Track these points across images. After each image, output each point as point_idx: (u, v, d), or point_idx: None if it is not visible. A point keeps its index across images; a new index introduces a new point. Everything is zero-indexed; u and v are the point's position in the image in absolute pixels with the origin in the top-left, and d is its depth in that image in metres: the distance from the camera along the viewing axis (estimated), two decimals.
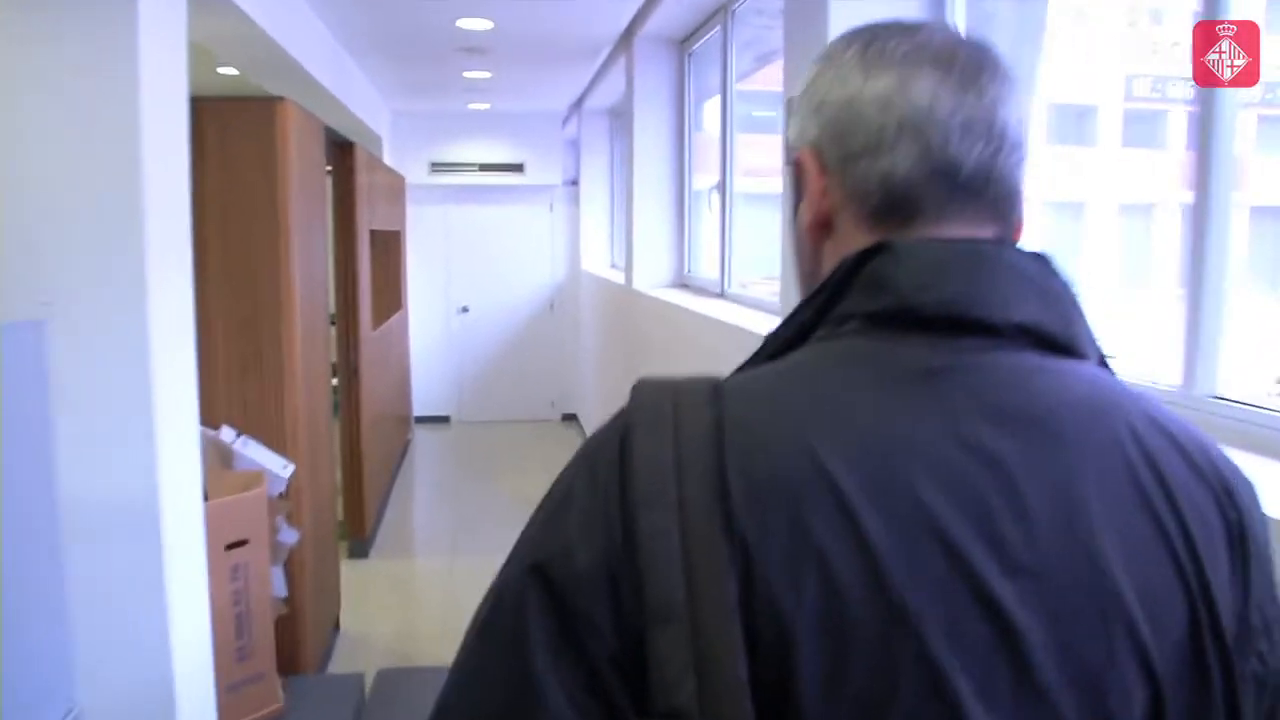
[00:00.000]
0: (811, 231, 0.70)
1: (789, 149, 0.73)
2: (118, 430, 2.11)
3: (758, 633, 0.53)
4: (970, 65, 0.65)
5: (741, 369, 0.65)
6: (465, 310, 8.66)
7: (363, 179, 5.01)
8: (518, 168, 8.37)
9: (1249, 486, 0.65)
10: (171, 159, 2.28)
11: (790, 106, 0.76)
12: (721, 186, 4.38)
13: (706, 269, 4.88)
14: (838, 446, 0.56)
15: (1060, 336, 0.62)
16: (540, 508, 0.62)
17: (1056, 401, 0.60)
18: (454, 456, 8.02)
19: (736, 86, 4.34)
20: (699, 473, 0.55)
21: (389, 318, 6.54)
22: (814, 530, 0.54)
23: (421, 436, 8.24)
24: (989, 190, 0.65)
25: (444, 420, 8.72)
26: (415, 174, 8.02)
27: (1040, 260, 0.64)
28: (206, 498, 2.79)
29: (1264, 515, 0.65)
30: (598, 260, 8.17)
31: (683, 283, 5.18)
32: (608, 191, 8.10)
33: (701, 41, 4.94)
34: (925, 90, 0.64)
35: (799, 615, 0.53)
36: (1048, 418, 0.59)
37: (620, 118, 7.47)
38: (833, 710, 0.52)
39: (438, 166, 8.22)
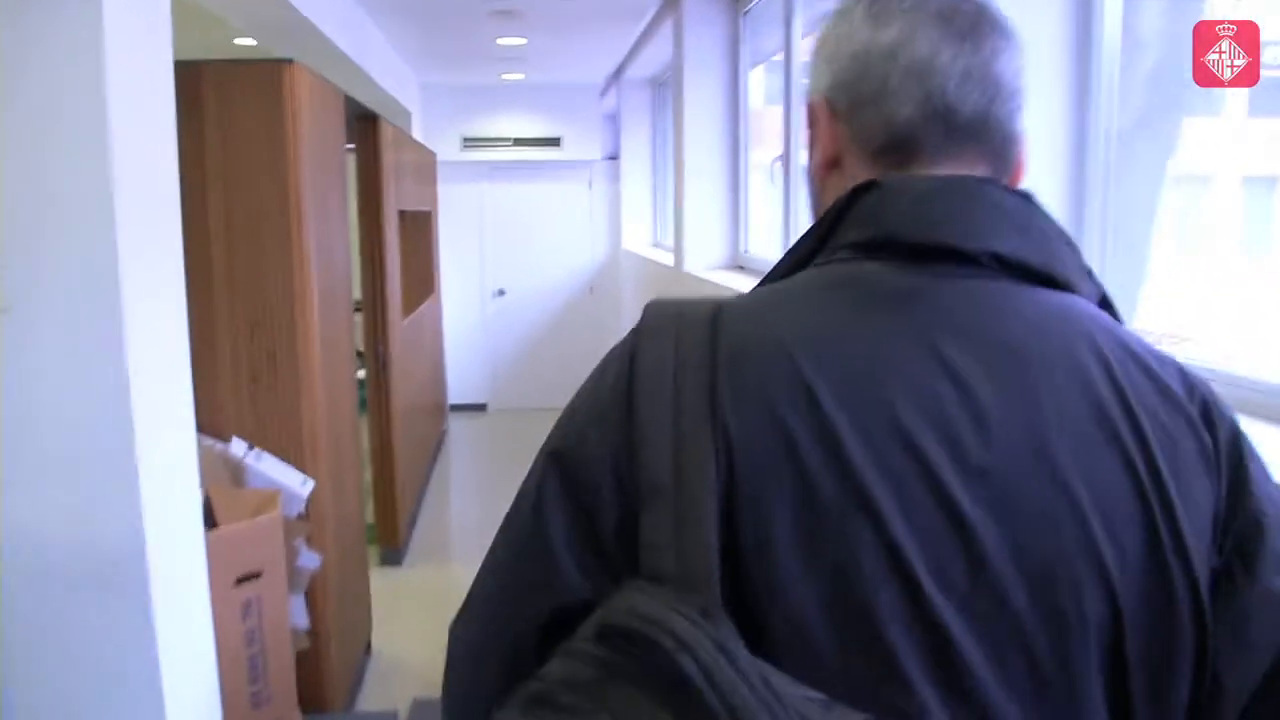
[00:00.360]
0: (821, 170, 0.76)
1: (805, 94, 0.79)
2: (87, 454, 1.76)
3: (737, 508, 0.60)
4: (969, 19, 0.71)
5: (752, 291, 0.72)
6: (501, 293, 8.29)
7: (389, 156, 4.62)
8: (554, 142, 7.96)
9: (1226, 410, 0.68)
10: (152, 133, 1.90)
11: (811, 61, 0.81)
12: (785, 158, 3.95)
13: (764, 249, 4.46)
14: (813, 355, 0.63)
15: (1038, 267, 0.67)
16: (562, 416, 0.70)
17: (1023, 325, 0.66)
18: (491, 447, 7.67)
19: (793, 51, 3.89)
20: (693, 375, 0.63)
21: (421, 304, 6.19)
22: (788, 425, 0.61)
23: (457, 426, 7.91)
24: (985, 134, 0.71)
25: (480, 408, 8.38)
26: (447, 150, 7.64)
27: (1023, 197, 0.70)
28: (214, 524, 2.45)
29: (1243, 446, 0.67)
30: (639, 239, 7.76)
31: (738, 264, 4.76)
32: (649, 166, 7.68)
33: (757, 1, 4.50)
34: (927, 41, 0.70)
35: (775, 495, 0.60)
36: (1012, 339, 0.65)
37: (663, 88, 7.04)
38: (806, 576, 0.59)
39: (470, 142, 7.84)
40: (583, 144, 8.04)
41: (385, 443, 4.56)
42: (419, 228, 6.41)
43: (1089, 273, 0.71)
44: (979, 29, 0.71)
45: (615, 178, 8.04)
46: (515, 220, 8.17)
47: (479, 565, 0.72)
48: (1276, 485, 0.67)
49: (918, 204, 0.68)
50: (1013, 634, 0.59)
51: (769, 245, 4.33)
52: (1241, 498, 0.65)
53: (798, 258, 0.72)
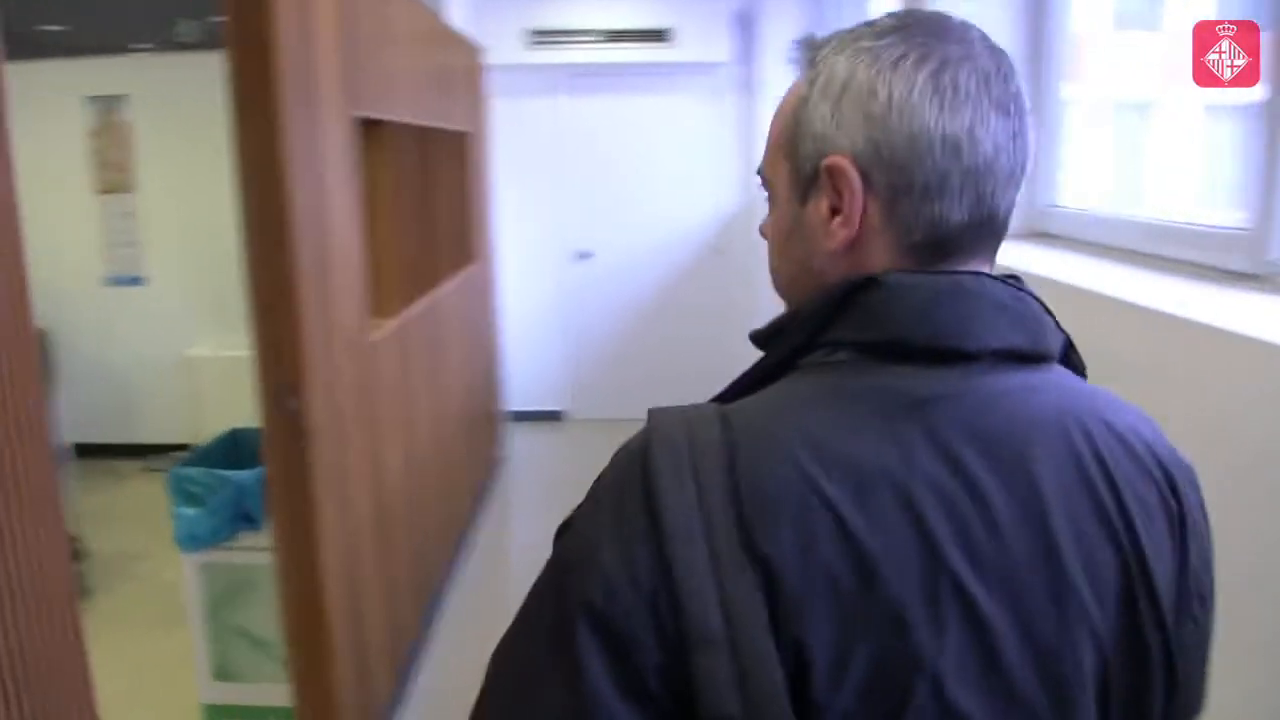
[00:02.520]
0: (840, 242, 0.72)
1: (811, 134, 0.72)
2: None
3: (782, 639, 0.61)
4: (1018, 105, 0.70)
5: (737, 393, 0.74)
6: (586, 256, 6.02)
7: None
8: (660, 35, 5.58)
9: (1189, 473, 0.76)
10: None
11: (812, 67, 0.74)
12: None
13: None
14: (840, 478, 0.64)
15: (1030, 352, 0.71)
16: (573, 541, 0.69)
17: (1024, 419, 0.69)
18: (570, 472, 5.44)
19: None
20: (720, 510, 0.63)
21: (448, 275, 4.01)
22: (824, 557, 0.62)
23: (521, 443, 5.74)
24: (1004, 230, 0.74)
25: (553, 417, 6.19)
26: (505, 48, 5.40)
27: (1011, 284, 0.72)
28: None
29: (1200, 500, 0.77)
30: None
31: (1038, 230, 2.41)
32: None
33: None
34: (991, 140, 0.69)
35: (817, 624, 0.61)
36: (1015, 436, 0.68)
37: None
38: (840, 695, 0.61)
39: (540, 37, 5.54)
40: (703, 39, 5.63)
41: (307, 576, 2.37)
42: (447, 156, 4.20)
43: (1057, 327, 0.75)
44: (1024, 116, 0.71)
45: (751, 88, 5.63)
46: (606, 150, 5.85)
47: None
48: (1203, 531, 0.76)
49: (924, 309, 0.68)
50: (1024, 714, 0.65)
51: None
52: (1189, 553, 0.73)
53: (781, 354, 0.73)
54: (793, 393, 0.70)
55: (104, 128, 5.15)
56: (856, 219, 0.70)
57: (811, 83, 0.73)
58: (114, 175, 5.16)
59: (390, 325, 3.09)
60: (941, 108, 0.68)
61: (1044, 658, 0.66)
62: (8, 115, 1.43)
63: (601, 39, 5.56)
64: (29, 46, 5.54)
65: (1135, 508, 0.70)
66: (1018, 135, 0.70)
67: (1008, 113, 0.69)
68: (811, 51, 0.75)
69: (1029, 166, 0.72)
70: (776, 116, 0.78)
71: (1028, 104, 0.72)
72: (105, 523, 4.59)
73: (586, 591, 0.64)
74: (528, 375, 6.03)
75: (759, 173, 0.81)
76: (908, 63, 0.68)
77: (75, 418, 5.45)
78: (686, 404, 0.71)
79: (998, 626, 0.64)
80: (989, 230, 0.72)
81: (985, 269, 0.73)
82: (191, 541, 2.72)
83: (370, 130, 3.11)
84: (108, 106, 5.12)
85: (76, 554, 4.33)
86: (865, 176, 0.69)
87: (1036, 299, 0.73)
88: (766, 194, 0.80)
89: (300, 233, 2.24)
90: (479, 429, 4.79)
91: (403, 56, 3.35)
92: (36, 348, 1.45)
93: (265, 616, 2.70)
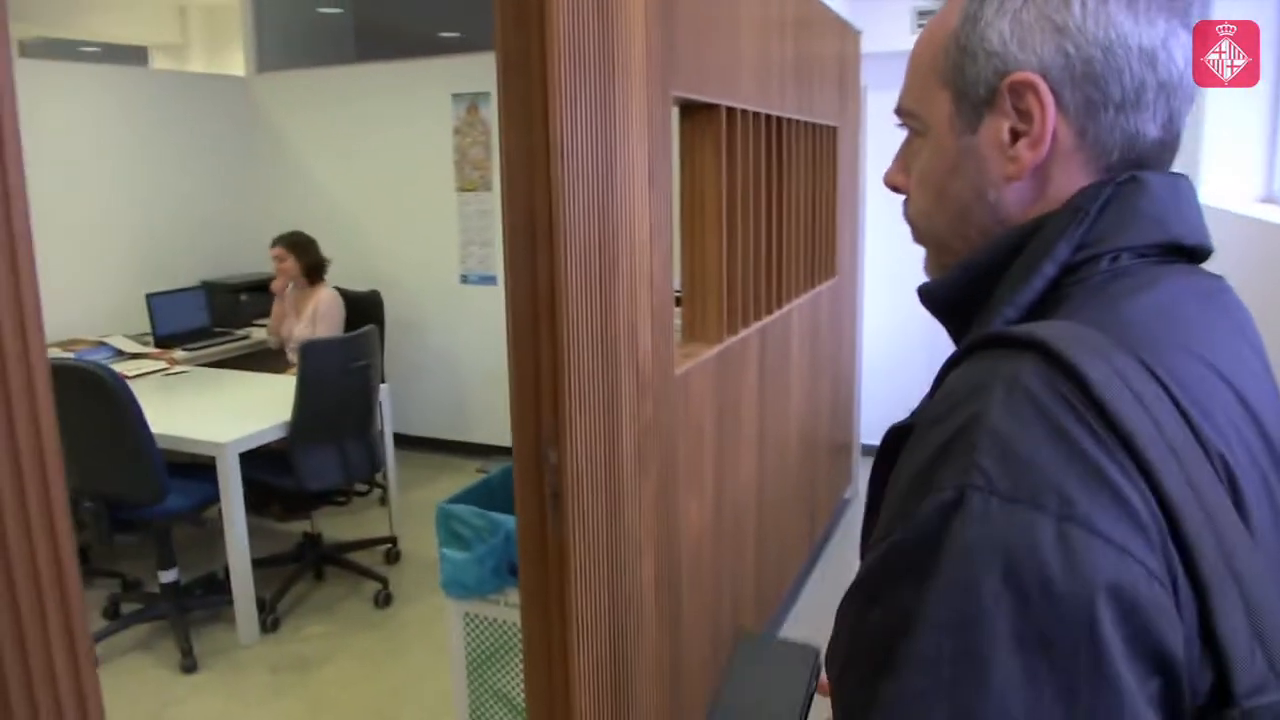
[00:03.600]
0: (1026, 167, 0.68)
1: (987, 52, 0.68)
2: None
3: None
4: (1193, 19, 0.67)
5: (956, 317, 0.72)
6: None
7: None
8: None
9: None
10: None
11: None
12: None
13: None
14: (1228, 373, 0.61)
15: (1210, 251, 0.70)
16: (995, 510, 0.51)
17: (1244, 315, 0.71)
18: None
19: None
20: (1172, 421, 0.55)
21: (797, 292, 3.44)
22: (1240, 432, 0.59)
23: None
24: (1177, 148, 0.71)
25: None
26: (887, 33, 4.71)
27: (1190, 183, 0.70)
28: None
29: None
30: (1240, 184, 4.20)
31: None
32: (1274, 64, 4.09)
33: None
34: (1182, 52, 0.66)
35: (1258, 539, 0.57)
36: (1248, 331, 0.70)
37: None
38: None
39: (929, 19, 4.80)
40: None
41: (556, 653, 1.91)
42: (806, 154, 3.62)
43: None
44: (1194, 30, 0.68)
45: None
46: None
47: None
48: None
49: (1182, 207, 0.68)
50: None
51: None
52: None
53: (1058, 268, 0.65)
54: (1151, 301, 0.63)
55: (466, 125, 5.15)
56: (1047, 140, 0.66)
57: (979, 2, 0.69)
58: (473, 173, 5.16)
59: (706, 355, 2.57)
60: (1136, 17, 0.65)
61: None
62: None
63: None
64: (405, 44, 5.73)
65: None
66: (1191, 50, 0.67)
67: (1190, 29, 0.67)
68: None
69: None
70: (925, 43, 0.74)
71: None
72: (428, 523, 4.55)
73: (1095, 568, 0.49)
74: (888, 405, 5.29)
75: (899, 110, 0.77)
76: None
77: (421, 414, 5.56)
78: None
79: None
80: (1172, 150, 0.70)
81: None
82: (456, 588, 2.38)
83: (699, 118, 2.61)
84: (471, 103, 5.12)
85: (389, 557, 4.32)
86: (1055, 94, 0.66)
87: None
88: (911, 131, 0.77)
89: (569, 238, 1.78)
90: (821, 465, 4.17)
91: (750, 36, 2.83)
92: (47, 371, 1.08)
93: None
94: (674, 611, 2.44)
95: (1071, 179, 0.67)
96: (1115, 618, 0.49)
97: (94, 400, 3.23)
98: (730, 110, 2.70)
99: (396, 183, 5.28)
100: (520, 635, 2.28)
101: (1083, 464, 0.51)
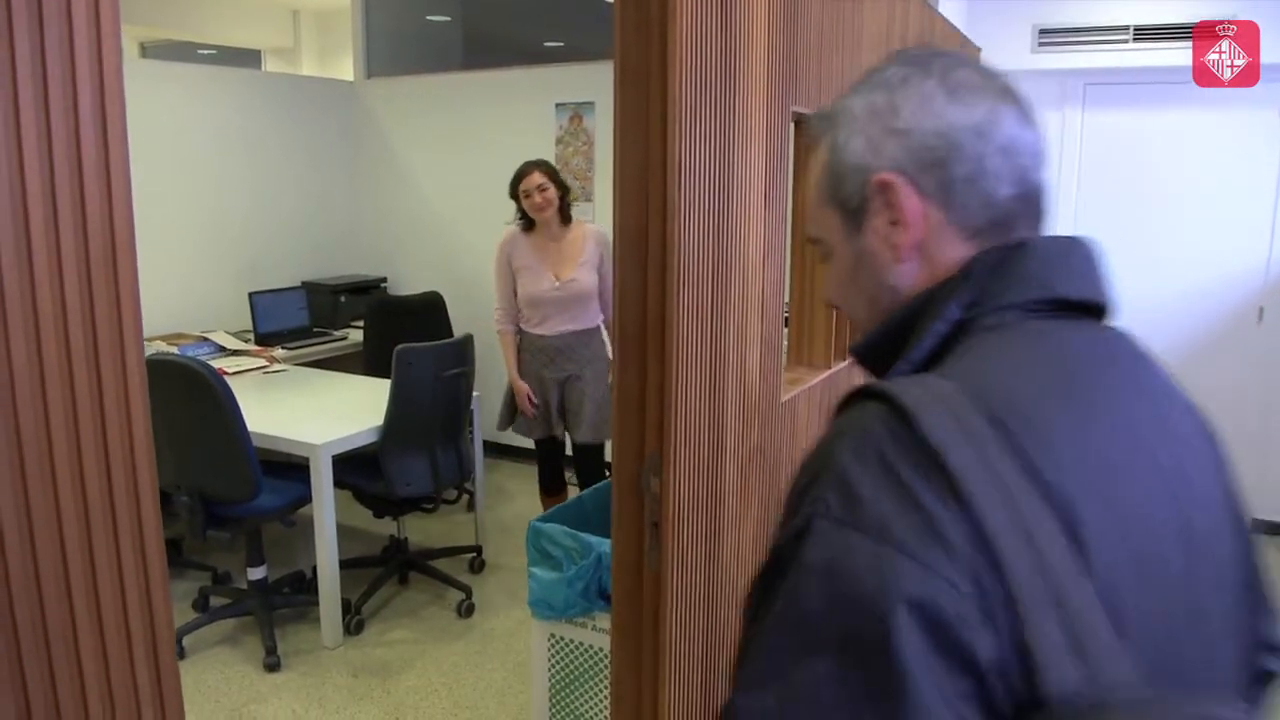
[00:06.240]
0: (902, 249, 0.79)
1: (845, 171, 0.80)
2: None
3: (1099, 576, 0.61)
4: (1021, 96, 0.79)
5: (880, 369, 0.80)
6: None
7: None
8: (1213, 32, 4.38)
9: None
10: None
11: (830, 123, 0.83)
12: None
13: None
14: (1085, 417, 0.68)
15: (1110, 309, 0.80)
16: (833, 537, 0.62)
17: (1135, 356, 0.78)
18: None
19: None
20: (1003, 461, 0.61)
21: None
22: (1105, 487, 0.64)
23: None
24: (1044, 205, 0.80)
25: None
26: (1006, 50, 4.56)
27: (1091, 243, 0.81)
28: None
29: None
30: None
31: None
32: None
33: None
34: (1010, 122, 0.77)
35: (1117, 563, 0.62)
36: (1143, 380, 0.76)
37: None
38: (1150, 609, 0.64)
39: (1051, 37, 4.61)
40: None
41: (646, 687, 1.84)
42: None
43: None
44: (1028, 105, 0.79)
45: None
46: (1123, 176, 4.77)
47: None
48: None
49: (1073, 266, 0.76)
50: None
51: None
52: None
53: (950, 324, 0.75)
54: (1002, 353, 0.71)
55: (569, 135, 5.14)
56: (918, 221, 0.77)
57: (835, 135, 0.81)
58: (574, 183, 5.14)
59: (812, 381, 2.48)
60: (959, 104, 0.76)
61: (1216, 581, 0.70)
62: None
63: (1130, 37, 4.49)
64: (511, 53, 5.75)
65: (1218, 442, 0.79)
66: (1028, 117, 0.78)
67: (1015, 100, 0.78)
68: (823, 121, 0.84)
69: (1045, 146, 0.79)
70: (810, 183, 0.86)
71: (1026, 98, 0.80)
72: (513, 534, 4.52)
73: (897, 583, 0.58)
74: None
75: (809, 239, 0.90)
76: (914, 79, 0.78)
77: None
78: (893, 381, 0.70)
79: (1204, 551, 0.69)
80: (1035, 205, 0.79)
81: None
82: (543, 608, 2.32)
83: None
84: (574, 113, 5.11)
85: (473, 566, 4.30)
86: (914, 183, 0.76)
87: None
88: (823, 255, 0.87)
89: (682, 257, 1.71)
90: None
91: (870, 50, 2.74)
92: (142, 368, 1.05)
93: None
94: None
95: (951, 248, 0.78)
96: (914, 625, 0.56)
97: (194, 396, 3.28)
98: None
99: (498, 191, 5.29)
100: (607, 661, 2.22)
101: (904, 495, 0.60)
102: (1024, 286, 0.74)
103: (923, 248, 0.78)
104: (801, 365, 2.56)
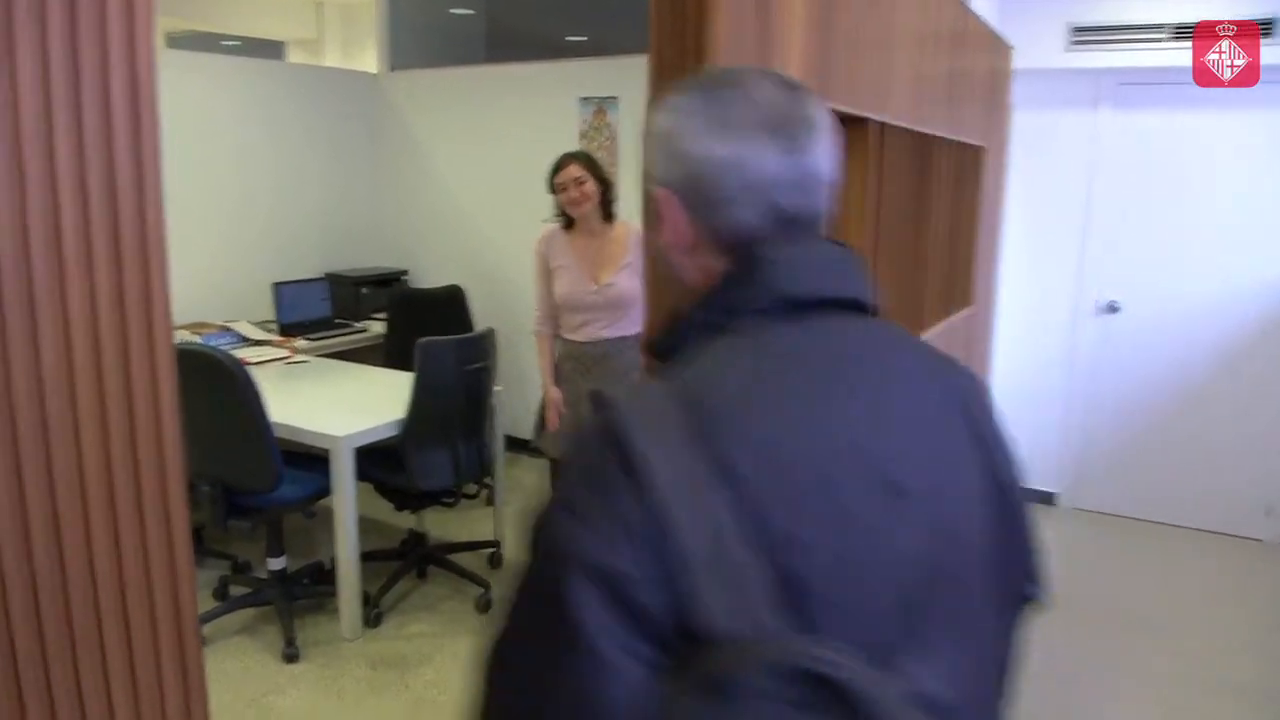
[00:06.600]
0: (677, 251, 0.93)
1: (648, 176, 0.94)
2: None
3: (761, 545, 0.72)
4: (794, 128, 0.88)
5: (664, 360, 0.89)
6: (1112, 309, 4.90)
7: None
8: (1268, 29, 4.31)
9: (986, 386, 1.02)
10: None
11: (646, 134, 0.95)
12: None
13: None
14: (777, 407, 0.79)
15: (867, 302, 0.91)
16: (556, 527, 0.76)
17: (882, 345, 0.90)
18: (1065, 581, 4.42)
19: None
20: (689, 449, 0.74)
21: (933, 320, 3.27)
22: (784, 465, 0.75)
23: None
24: (808, 224, 0.90)
25: (1043, 499, 5.13)
26: (1038, 49, 4.50)
27: (847, 249, 0.92)
28: None
29: (994, 405, 1.01)
30: None
31: None
32: None
33: None
34: (762, 157, 0.87)
35: (789, 527, 0.73)
36: (883, 357, 0.89)
37: None
38: (840, 581, 0.75)
39: (1085, 35, 4.55)
40: None
41: None
42: (951, 174, 3.45)
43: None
44: (801, 138, 0.88)
45: None
46: (1156, 177, 4.70)
47: None
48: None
49: (798, 268, 0.87)
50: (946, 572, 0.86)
51: None
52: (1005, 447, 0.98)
53: (701, 328, 0.87)
54: (724, 353, 0.83)
55: (593, 129, 5.11)
56: (685, 231, 0.91)
57: (645, 134, 0.94)
58: None
59: None
60: (716, 138, 0.87)
61: (950, 533, 0.83)
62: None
63: (1167, 36, 4.42)
64: (534, 47, 5.72)
65: (979, 414, 0.92)
66: (793, 150, 0.87)
67: (778, 133, 0.87)
68: (644, 132, 0.95)
69: (823, 171, 0.89)
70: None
71: (819, 123, 0.89)
72: None
73: (582, 552, 0.72)
74: (1016, 445, 5.05)
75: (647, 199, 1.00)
76: (694, 109, 0.88)
77: (530, 419, 5.52)
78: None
79: (919, 512, 0.80)
80: (786, 224, 0.88)
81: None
82: None
83: (848, 133, 2.49)
84: (599, 107, 5.07)
85: (492, 561, 4.27)
86: (682, 200, 0.90)
87: (865, 265, 0.92)
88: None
89: None
90: None
91: (904, 48, 2.69)
92: (171, 360, 1.04)
93: None
94: None
95: (713, 259, 0.90)
96: (591, 587, 0.70)
97: (216, 386, 3.26)
98: (881, 126, 2.56)
99: (521, 184, 5.27)
100: None
101: (599, 482, 0.74)
102: (758, 294, 0.85)
103: (693, 255, 0.91)
104: None
